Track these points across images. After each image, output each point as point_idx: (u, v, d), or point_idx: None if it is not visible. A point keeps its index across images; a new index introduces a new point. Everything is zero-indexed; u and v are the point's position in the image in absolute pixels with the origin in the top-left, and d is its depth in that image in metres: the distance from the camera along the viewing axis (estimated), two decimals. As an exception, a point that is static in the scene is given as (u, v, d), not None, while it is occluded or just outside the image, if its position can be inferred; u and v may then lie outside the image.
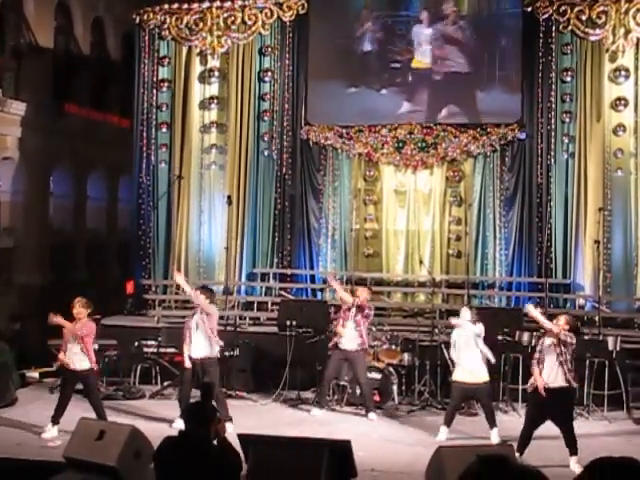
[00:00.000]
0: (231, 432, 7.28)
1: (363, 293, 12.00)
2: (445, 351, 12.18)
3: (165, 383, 13.36)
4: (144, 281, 16.47)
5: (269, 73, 16.35)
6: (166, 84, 16.74)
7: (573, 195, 15.18)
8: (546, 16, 15.29)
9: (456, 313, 13.82)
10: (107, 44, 21.23)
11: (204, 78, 16.65)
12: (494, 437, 10.32)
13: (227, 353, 12.39)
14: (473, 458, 2.87)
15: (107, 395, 12.51)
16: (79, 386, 10.78)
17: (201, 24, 16.53)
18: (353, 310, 11.81)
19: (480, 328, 10.61)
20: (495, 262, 15.62)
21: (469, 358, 10.50)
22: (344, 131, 16.05)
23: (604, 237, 14.78)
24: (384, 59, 16.07)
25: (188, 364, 11.06)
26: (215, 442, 5.49)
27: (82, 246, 20.39)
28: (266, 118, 16.36)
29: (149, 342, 13.72)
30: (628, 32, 14.88)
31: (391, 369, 12.44)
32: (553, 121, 15.31)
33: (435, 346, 12.51)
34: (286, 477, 6.88)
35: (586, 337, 12.78)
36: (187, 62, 16.74)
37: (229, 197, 15.30)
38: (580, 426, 9.76)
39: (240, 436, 7.04)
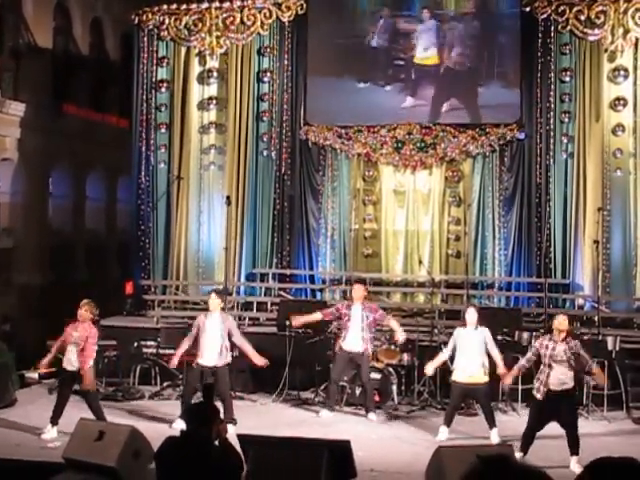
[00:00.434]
0: (232, 433, 7.28)
1: (358, 291, 11.95)
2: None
3: (164, 384, 13.36)
4: (143, 282, 16.46)
5: (268, 73, 16.35)
6: (165, 84, 16.74)
7: (572, 195, 15.18)
8: (545, 16, 15.29)
9: (456, 313, 13.90)
10: (106, 44, 21.23)
11: (203, 78, 16.65)
12: (494, 437, 10.32)
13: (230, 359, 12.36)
14: (473, 458, 2.87)
15: (106, 395, 12.50)
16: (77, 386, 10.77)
17: (200, 24, 16.53)
18: (359, 311, 11.78)
19: (487, 332, 10.60)
20: (494, 262, 15.62)
21: (470, 359, 10.50)
22: (343, 131, 16.05)
23: (603, 237, 14.78)
24: (388, 56, 16.07)
25: (175, 364, 11.13)
26: (216, 443, 5.49)
27: (81, 246, 20.39)
28: (265, 118, 16.36)
29: (148, 343, 13.72)
30: (627, 32, 14.88)
31: (390, 369, 12.43)
32: (552, 121, 15.31)
33: (435, 346, 12.50)
34: (286, 477, 6.87)
35: (585, 337, 12.78)
36: (186, 63, 16.74)
37: (228, 197, 15.30)
38: (580, 426, 9.74)
39: (240, 436, 7.04)
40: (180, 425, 10.13)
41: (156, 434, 8.17)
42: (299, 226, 16.24)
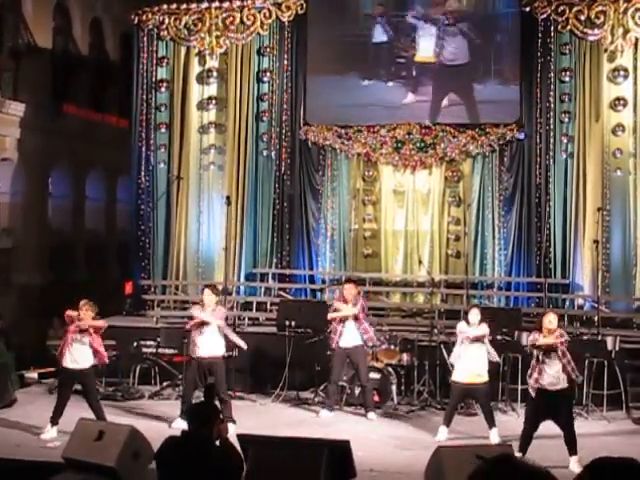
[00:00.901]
0: (231, 432, 7.28)
1: (349, 290, 11.94)
2: (444, 352, 12.19)
3: (164, 383, 13.36)
4: (143, 281, 16.46)
5: (268, 73, 16.34)
6: (165, 84, 16.73)
7: (572, 195, 15.18)
8: (544, 16, 15.29)
9: (456, 313, 13.90)
10: (105, 44, 21.22)
11: (203, 78, 16.64)
12: (494, 437, 10.33)
13: (226, 353, 12.37)
14: (472, 458, 2.87)
15: (106, 395, 12.50)
16: (78, 386, 10.78)
17: (200, 24, 16.52)
18: (348, 306, 11.81)
19: (485, 329, 10.61)
20: (494, 262, 15.62)
21: (471, 359, 10.49)
22: (343, 131, 16.05)
23: (603, 237, 14.78)
24: (390, 54, 16.07)
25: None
26: (217, 443, 5.49)
27: (81, 247, 20.39)
28: (265, 118, 16.36)
29: (148, 342, 13.71)
30: (627, 32, 14.88)
31: (390, 369, 12.44)
32: (552, 121, 15.31)
33: (434, 346, 12.51)
34: (285, 477, 6.87)
35: (585, 337, 12.80)
36: (186, 62, 16.73)
37: (228, 197, 15.30)
38: (579, 426, 9.76)
39: (239, 436, 7.04)
40: (180, 425, 10.18)
41: (156, 434, 8.17)
42: (299, 226, 16.24)
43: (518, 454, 9.30)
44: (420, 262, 15.29)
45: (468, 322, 10.70)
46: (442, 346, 12.36)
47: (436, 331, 13.04)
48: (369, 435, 10.79)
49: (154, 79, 16.78)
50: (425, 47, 15.95)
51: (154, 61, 16.81)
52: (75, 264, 20.06)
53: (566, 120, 15.28)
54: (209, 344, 11.04)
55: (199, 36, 16.52)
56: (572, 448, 9.31)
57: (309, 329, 13.10)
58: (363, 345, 11.83)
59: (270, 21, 16.33)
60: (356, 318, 11.74)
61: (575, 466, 9.03)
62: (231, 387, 12.42)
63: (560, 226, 15.26)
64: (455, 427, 10.80)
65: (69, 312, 10.65)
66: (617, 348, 12.14)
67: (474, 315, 10.66)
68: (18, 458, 8.36)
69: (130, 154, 17.04)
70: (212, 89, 16.65)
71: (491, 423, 10.45)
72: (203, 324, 11.04)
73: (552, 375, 9.46)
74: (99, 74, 20.87)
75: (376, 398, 12.11)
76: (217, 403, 9.62)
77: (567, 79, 15.28)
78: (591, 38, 15.12)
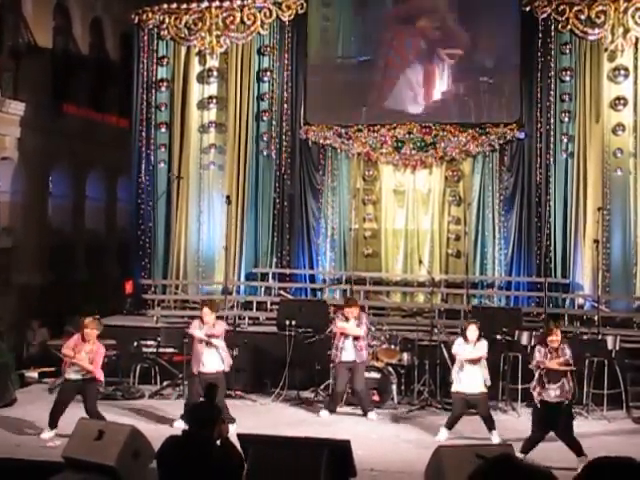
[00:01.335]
0: (232, 432, 7.28)
1: (352, 311, 11.86)
2: (445, 352, 12.18)
3: (164, 383, 13.36)
4: (143, 281, 16.45)
5: (268, 73, 16.34)
6: (165, 84, 16.72)
7: (572, 195, 15.17)
8: (545, 15, 15.28)
9: (456, 313, 13.90)
10: (106, 44, 21.22)
11: (203, 78, 16.63)
12: (494, 438, 10.31)
13: (227, 368, 12.36)
14: (472, 457, 2.88)
15: (106, 395, 12.49)
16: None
17: (200, 24, 16.52)
18: (351, 325, 11.76)
19: (484, 349, 10.58)
20: (494, 262, 15.61)
21: (470, 376, 10.49)
22: (343, 131, 16.04)
23: (603, 236, 14.78)
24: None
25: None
26: (218, 442, 5.49)
27: (81, 246, 20.39)
28: (265, 118, 16.35)
29: (148, 342, 13.71)
30: (627, 31, 14.88)
31: (390, 369, 12.43)
32: (552, 121, 15.30)
33: (434, 346, 12.50)
34: (285, 477, 6.87)
35: (585, 337, 12.79)
36: (186, 62, 16.72)
37: (228, 197, 15.30)
38: (579, 425, 9.77)
39: (239, 436, 7.04)
40: (181, 425, 10.17)
41: (156, 434, 8.18)
42: (299, 225, 16.24)
43: (520, 455, 9.32)
44: (420, 262, 15.28)
45: (466, 338, 10.65)
46: (442, 345, 12.36)
47: (436, 330, 13.03)
48: (369, 435, 10.79)
49: (154, 79, 16.77)
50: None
51: (154, 61, 16.80)
52: (75, 264, 20.06)
53: (566, 120, 15.27)
54: (212, 360, 11.03)
55: (199, 35, 16.52)
56: (578, 452, 9.32)
57: (309, 328, 13.10)
58: (361, 362, 11.78)
59: (270, 20, 16.33)
60: (356, 337, 11.73)
61: (581, 466, 9.01)
62: (231, 386, 12.43)
63: (560, 226, 15.25)
64: (455, 427, 10.78)
65: (65, 351, 10.58)
66: (617, 347, 12.13)
67: (472, 332, 10.60)
68: (18, 457, 8.37)
69: (130, 154, 17.03)
70: (212, 88, 16.64)
71: (491, 427, 10.43)
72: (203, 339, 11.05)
73: (554, 390, 9.52)
74: (99, 74, 20.87)
75: (376, 398, 12.10)
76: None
77: (567, 79, 15.27)
78: (591, 38, 15.12)
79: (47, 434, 10.37)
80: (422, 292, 15.77)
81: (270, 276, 16.30)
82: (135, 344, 13.65)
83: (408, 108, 15.99)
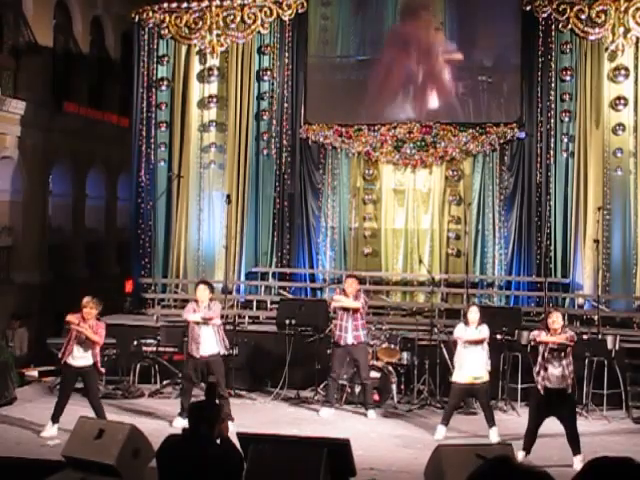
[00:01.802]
0: (231, 431, 7.28)
1: (350, 284, 11.94)
2: (445, 351, 12.19)
3: (164, 382, 13.36)
4: (143, 280, 16.45)
5: (268, 72, 16.33)
6: (165, 83, 16.72)
7: (572, 194, 15.17)
8: (545, 15, 15.28)
9: (456, 312, 13.89)
10: (106, 43, 21.24)
11: (203, 77, 16.62)
12: (493, 436, 10.33)
13: (225, 352, 12.39)
14: (472, 457, 2.88)
15: (106, 394, 12.50)
16: (79, 384, 10.77)
17: (200, 23, 16.52)
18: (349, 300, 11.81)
19: (485, 332, 10.60)
20: (494, 261, 15.61)
21: (471, 359, 10.49)
22: (343, 130, 16.04)
23: (603, 236, 14.77)
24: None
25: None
26: (218, 441, 5.49)
27: (81, 245, 20.40)
28: (265, 117, 16.35)
29: (148, 341, 13.71)
30: (627, 31, 14.87)
31: (390, 368, 12.43)
32: (552, 120, 15.30)
33: (434, 345, 12.51)
34: (285, 476, 6.87)
35: (585, 336, 12.78)
36: (186, 61, 16.72)
37: (228, 196, 15.30)
38: (579, 425, 9.76)
39: (239, 435, 7.04)
40: (180, 423, 10.19)
41: (156, 432, 8.19)
42: (299, 225, 16.24)
43: (522, 453, 9.33)
44: (420, 261, 15.28)
45: (467, 322, 10.68)
46: (442, 345, 12.36)
47: (436, 330, 13.03)
48: (369, 434, 10.80)
49: (154, 77, 16.76)
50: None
51: (155, 59, 16.79)
52: (75, 262, 20.08)
53: (567, 119, 15.27)
54: (208, 343, 11.04)
55: (200, 34, 16.51)
56: (576, 447, 9.31)
57: (309, 328, 13.11)
58: (359, 343, 11.81)
59: (271, 20, 16.32)
60: (355, 311, 11.74)
61: (579, 465, 9.00)
62: (231, 385, 12.44)
63: (560, 225, 15.25)
64: (455, 426, 10.80)
65: (69, 317, 10.61)
66: (617, 347, 12.13)
67: (473, 313, 10.66)
68: (18, 456, 8.37)
69: (130, 152, 17.02)
70: (213, 88, 16.64)
71: (491, 422, 10.45)
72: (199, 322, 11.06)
73: (557, 374, 9.47)
74: (100, 72, 20.90)
75: (376, 397, 12.11)
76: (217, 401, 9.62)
77: (568, 78, 15.27)
78: (592, 37, 15.11)
79: (48, 431, 10.37)
80: (422, 291, 15.77)
81: (270, 275, 16.30)
82: (135, 343, 13.65)
83: (408, 108, 15.98)
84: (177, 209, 16.57)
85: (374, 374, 12.16)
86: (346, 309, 11.79)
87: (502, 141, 15.54)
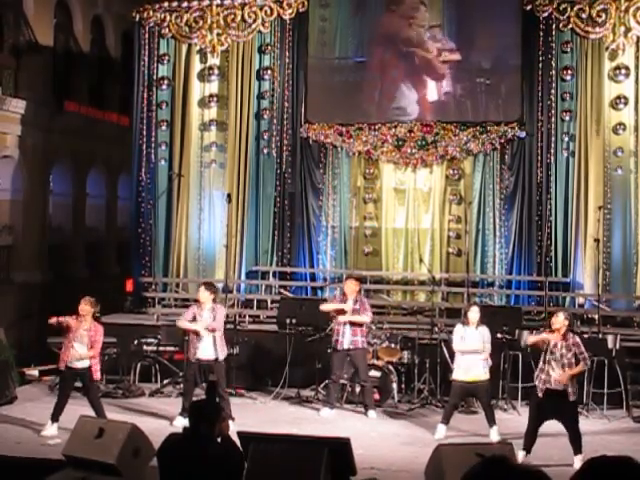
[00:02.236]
0: (231, 430, 7.28)
1: (349, 286, 11.94)
2: (445, 350, 12.19)
3: (165, 381, 13.37)
4: (144, 279, 16.45)
5: (269, 71, 16.33)
6: (166, 82, 16.71)
7: (573, 193, 15.17)
8: (546, 14, 15.28)
9: (457, 311, 13.89)
10: (107, 42, 21.24)
11: (204, 76, 16.62)
12: (493, 435, 10.32)
13: (226, 354, 12.40)
14: (473, 456, 2.87)
15: (107, 393, 12.51)
16: (79, 383, 10.77)
17: (201, 22, 16.51)
18: (349, 306, 11.79)
19: (487, 332, 10.59)
20: (495, 260, 15.61)
21: (471, 358, 10.48)
22: (344, 129, 16.04)
23: (604, 235, 14.78)
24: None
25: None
26: (219, 440, 5.49)
27: (81, 244, 20.40)
28: (266, 116, 16.35)
29: (149, 340, 13.73)
30: (628, 30, 14.87)
31: (391, 367, 12.43)
32: (553, 120, 15.30)
33: (435, 344, 12.51)
34: (285, 475, 6.87)
35: (586, 335, 12.78)
36: (187, 60, 16.72)
37: (229, 195, 15.29)
38: (580, 424, 9.75)
39: (239, 434, 7.04)
40: (180, 422, 10.19)
41: (156, 431, 8.19)
42: (299, 224, 16.24)
43: (522, 452, 9.32)
44: (421, 260, 15.28)
45: (467, 321, 10.66)
46: (443, 344, 12.36)
47: (437, 329, 13.05)
48: (369, 433, 10.79)
49: (155, 76, 16.76)
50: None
51: (155, 58, 16.79)
52: (75, 262, 20.08)
53: (567, 118, 15.27)
54: (208, 349, 11.01)
55: (200, 34, 16.51)
56: (577, 447, 9.30)
57: (310, 327, 13.10)
58: (360, 347, 11.80)
59: (271, 19, 16.32)
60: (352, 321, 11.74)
61: (580, 465, 9.00)
62: (232, 384, 12.43)
63: (561, 224, 15.25)
64: (455, 425, 10.80)
65: (54, 319, 10.58)
66: (618, 346, 12.13)
67: (474, 313, 10.64)
68: (18, 455, 8.36)
69: (131, 151, 17.02)
70: (213, 87, 16.63)
71: (491, 421, 10.44)
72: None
73: (556, 377, 9.44)
74: (100, 71, 20.90)
75: (377, 396, 12.10)
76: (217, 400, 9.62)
77: (568, 77, 15.27)
78: (592, 36, 15.11)
79: (48, 430, 10.37)
80: (423, 291, 15.78)
81: (270, 274, 16.30)
82: (135, 342, 13.66)
83: (408, 107, 15.98)
84: (178, 208, 16.57)
85: (374, 373, 12.16)
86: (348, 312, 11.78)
87: (503, 140, 15.54)
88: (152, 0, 16.90)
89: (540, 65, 15.32)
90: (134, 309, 16.01)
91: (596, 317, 13.36)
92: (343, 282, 12.76)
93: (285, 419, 11.50)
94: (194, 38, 16.59)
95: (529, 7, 15.35)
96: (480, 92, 15.83)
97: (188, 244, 16.53)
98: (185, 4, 16.64)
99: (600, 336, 12.60)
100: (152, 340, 13.69)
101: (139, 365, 13.51)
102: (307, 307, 13.25)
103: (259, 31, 16.38)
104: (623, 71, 14.92)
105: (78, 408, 10.05)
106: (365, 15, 16.19)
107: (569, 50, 15.28)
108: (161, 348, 13.61)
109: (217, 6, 16.45)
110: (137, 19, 16.90)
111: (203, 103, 16.64)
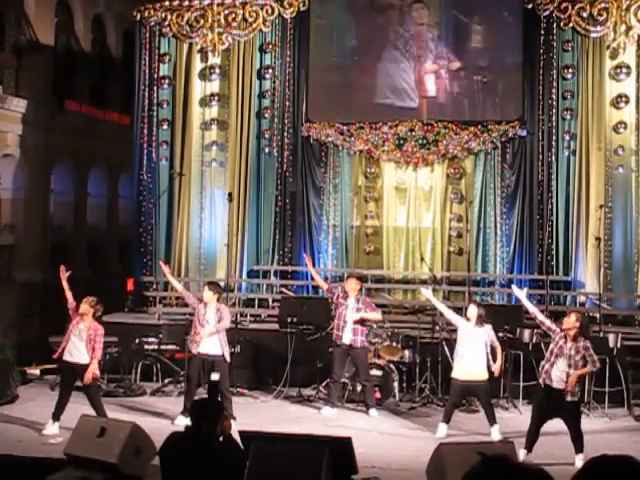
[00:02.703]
0: (233, 429, 7.28)
1: (351, 284, 11.95)
2: (446, 349, 12.18)
3: (166, 380, 13.37)
4: (145, 278, 16.45)
5: (270, 70, 16.33)
6: (167, 81, 16.71)
7: (574, 192, 15.17)
8: (547, 13, 15.28)
9: (458, 310, 13.87)
10: (108, 41, 21.23)
11: (205, 75, 16.62)
12: (495, 434, 10.32)
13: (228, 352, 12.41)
14: (474, 455, 2.87)
15: (108, 392, 12.52)
16: (79, 382, 10.76)
17: (202, 21, 16.51)
18: (351, 304, 11.80)
19: (490, 330, 10.57)
20: (496, 259, 15.62)
21: (471, 355, 10.47)
22: (345, 128, 16.04)
23: (605, 234, 14.79)
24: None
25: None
26: (220, 439, 5.50)
27: (83, 243, 20.39)
28: (267, 115, 16.35)
29: (150, 339, 13.72)
30: (629, 29, 14.87)
31: (392, 366, 12.43)
32: (554, 118, 15.30)
33: (436, 343, 12.51)
34: (287, 474, 6.87)
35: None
36: (188, 59, 16.71)
37: (230, 194, 15.28)
38: (581, 423, 9.75)
39: (241, 433, 7.04)
40: (182, 421, 10.19)
41: (157, 430, 8.20)
42: (301, 223, 16.25)
43: (523, 451, 9.31)
44: (422, 259, 15.27)
45: (468, 319, 10.67)
46: (444, 343, 12.36)
47: (438, 328, 13.03)
48: (371, 432, 10.79)
49: (156, 76, 16.76)
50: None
51: (156, 58, 16.78)
52: (76, 261, 20.03)
53: (568, 117, 15.27)
54: (211, 341, 11.03)
55: (201, 33, 16.51)
56: (578, 446, 9.29)
57: (311, 326, 13.09)
58: (360, 346, 11.81)
59: (272, 18, 16.32)
60: (356, 319, 11.76)
61: (581, 464, 9.01)
62: (233, 383, 12.43)
63: (562, 223, 15.25)
64: (457, 424, 10.80)
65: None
66: (619, 345, 12.12)
67: (471, 309, 10.63)
68: (19, 454, 8.37)
69: (132, 150, 17.02)
70: (214, 86, 16.63)
71: (492, 420, 10.43)
72: (204, 319, 11.06)
73: (559, 374, 9.42)
74: (101, 71, 20.89)
75: (378, 395, 12.10)
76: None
77: (569, 76, 15.27)
78: (593, 35, 15.11)
79: (49, 429, 10.37)
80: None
81: (272, 273, 16.30)
82: (137, 341, 13.66)
83: (408, 106, 15.97)
84: (179, 207, 16.58)
85: (376, 372, 12.16)
86: (347, 310, 11.79)
87: (504, 139, 15.55)
88: (153, -1, 16.92)
89: (541, 64, 15.33)
90: (135, 308, 16.01)
91: (597, 316, 13.35)
92: (344, 281, 12.77)
93: (286, 418, 11.50)
94: (195, 37, 16.59)
95: (530, 5, 15.35)
96: (480, 91, 15.83)
97: (189, 243, 16.54)
98: (186, 3, 16.63)
99: (601, 335, 12.58)
100: (153, 339, 13.69)
101: (140, 364, 13.51)
102: (308, 306, 13.26)
103: (260, 30, 16.38)
104: (624, 70, 14.92)
105: (79, 407, 10.05)
106: (365, 14, 16.18)
107: (570, 49, 15.28)
108: (162, 347, 13.61)
109: (218, 5, 16.45)
110: (138, 18, 16.89)
111: (204, 102, 16.64)
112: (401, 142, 15.82)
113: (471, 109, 15.85)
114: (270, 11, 16.31)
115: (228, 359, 11.13)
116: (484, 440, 9.78)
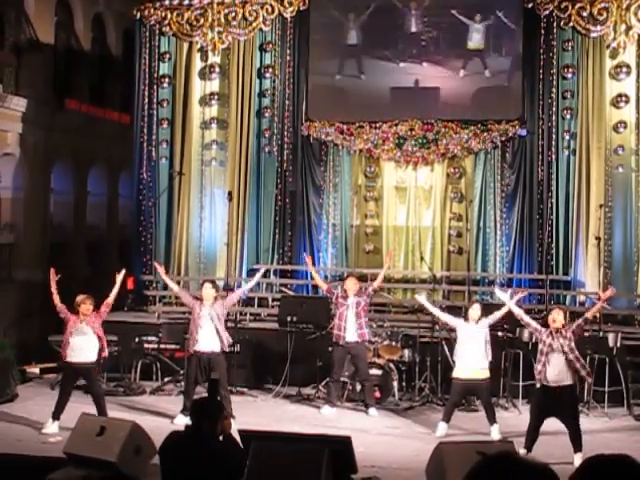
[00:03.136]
0: (233, 428, 7.29)
1: (350, 284, 11.96)
2: (446, 349, 12.19)
3: (166, 379, 13.38)
4: (144, 277, 16.46)
5: (270, 69, 16.33)
6: (167, 80, 16.72)
7: (574, 192, 15.18)
8: (547, 12, 15.28)
9: (457, 310, 13.88)
10: (107, 40, 21.20)
11: (205, 74, 16.62)
12: (494, 433, 10.33)
13: (227, 349, 12.40)
14: (474, 454, 2.87)
15: (108, 391, 12.49)
16: (80, 382, 10.78)
17: (202, 20, 16.51)
18: (351, 302, 11.81)
19: (486, 321, 10.59)
20: (496, 259, 15.61)
21: (471, 354, 10.48)
22: (345, 127, 16.04)
23: (605, 234, 14.78)
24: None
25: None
26: (220, 438, 5.50)
27: (82, 242, 20.38)
28: (267, 114, 16.35)
29: (150, 338, 13.73)
30: (629, 28, 14.87)
31: (391, 365, 12.44)
32: (554, 118, 15.30)
33: (435, 342, 12.51)
34: (286, 473, 6.87)
35: (586, 334, 12.78)
36: (188, 58, 16.71)
37: (230, 193, 15.28)
38: (580, 422, 9.76)
39: (241, 432, 7.04)
40: (182, 421, 10.20)
41: (157, 430, 8.20)
42: (300, 222, 16.25)
43: (523, 451, 9.32)
44: (422, 258, 15.27)
45: (467, 318, 10.68)
46: (443, 342, 12.37)
47: (437, 327, 13.03)
48: (370, 431, 10.79)
49: (156, 74, 16.76)
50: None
51: (156, 56, 16.79)
52: (76, 260, 20.05)
53: (568, 117, 15.28)
54: (209, 339, 11.05)
55: (201, 32, 16.50)
56: (577, 445, 9.30)
57: (310, 325, 13.10)
58: (363, 342, 11.84)
59: (272, 17, 16.32)
60: (358, 312, 11.76)
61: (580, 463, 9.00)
62: (232, 383, 12.44)
63: (562, 223, 15.25)
64: (456, 424, 10.80)
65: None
66: (618, 345, 12.13)
67: (475, 310, 10.64)
68: (19, 453, 8.37)
69: (132, 149, 17.02)
70: (214, 85, 16.63)
71: (492, 419, 10.44)
72: (200, 317, 11.08)
73: (554, 372, 9.43)
74: (101, 69, 20.86)
75: (377, 394, 12.11)
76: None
77: (569, 76, 15.27)
78: (593, 35, 15.11)
79: (49, 428, 10.37)
80: (423, 289, 15.75)
81: (271, 272, 16.30)
82: (136, 340, 13.66)
83: (409, 105, 15.97)
84: (178, 206, 16.58)
85: (375, 371, 12.16)
86: (348, 310, 11.79)
87: (504, 138, 15.55)
88: (153, -2, 16.91)
89: (541, 63, 15.33)
90: (135, 307, 16.02)
91: (597, 315, 13.34)
92: (344, 280, 12.78)
93: (286, 417, 11.51)
94: (195, 36, 16.59)
95: (530, 5, 15.35)
96: (480, 90, 15.83)
97: (189, 242, 16.54)
98: (186, 2, 16.63)
99: (601, 334, 12.59)
100: (153, 338, 13.70)
101: (140, 363, 13.52)
102: (308, 305, 13.28)
103: (260, 29, 16.38)
104: (624, 69, 14.92)
105: (79, 406, 10.05)
106: (365, 13, 16.17)
107: (570, 48, 15.28)
108: (162, 346, 13.62)
109: (218, 4, 16.44)
110: (138, 17, 16.89)
111: (204, 101, 16.64)
112: (401, 141, 15.82)
113: (471, 108, 15.84)
114: (270, 10, 16.31)
115: (225, 346, 11.12)
116: (484, 439, 9.77)
